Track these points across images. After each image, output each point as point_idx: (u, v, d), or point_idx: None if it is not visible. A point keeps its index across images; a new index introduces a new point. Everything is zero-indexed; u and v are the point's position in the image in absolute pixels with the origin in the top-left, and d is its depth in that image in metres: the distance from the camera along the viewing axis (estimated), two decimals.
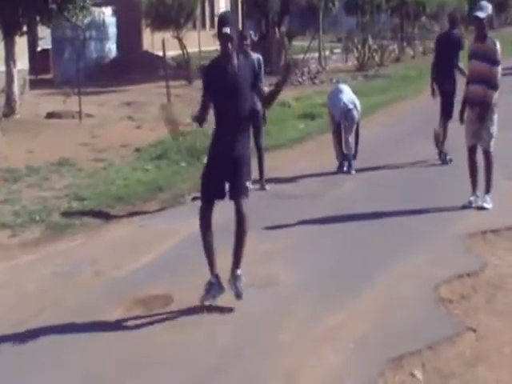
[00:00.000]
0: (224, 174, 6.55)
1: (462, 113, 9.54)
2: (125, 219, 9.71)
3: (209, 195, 6.60)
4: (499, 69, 9.20)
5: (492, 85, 9.16)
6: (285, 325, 6.15)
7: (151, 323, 6.25)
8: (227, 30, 6.33)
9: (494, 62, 9.16)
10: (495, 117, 9.31)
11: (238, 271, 6.47)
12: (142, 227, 9.26)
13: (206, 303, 6.39)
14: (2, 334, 6.11)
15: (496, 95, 9.23)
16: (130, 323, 6.29)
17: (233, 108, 6.50)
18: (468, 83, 9.53)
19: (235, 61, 6.50)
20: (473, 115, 9.34)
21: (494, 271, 7.23)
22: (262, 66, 10.92)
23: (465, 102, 9.52)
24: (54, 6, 16.77)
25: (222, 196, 6.58)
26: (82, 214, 9.86)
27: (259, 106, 10.80)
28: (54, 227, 9.29)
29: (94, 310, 6.56)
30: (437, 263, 7.45)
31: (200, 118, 6.78)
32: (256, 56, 10.89)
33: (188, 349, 5.78)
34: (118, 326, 6.26)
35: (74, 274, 7.62)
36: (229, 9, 37.40)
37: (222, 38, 6.40)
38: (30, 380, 5.41)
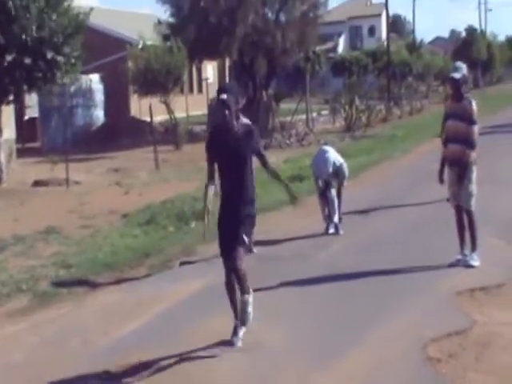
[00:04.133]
0: (229, 226, 7.10)
1: (440, 173, 9.67)
2: (112, 286, 9.69)
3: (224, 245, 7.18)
4: (476, 128, 9.36)
5: (470, 144, 9.31)
6: None
7: None
8: (224, 96, 6.92)
9: (471, 122, 9.32)
10: (473, 176, 9.42)
11: (245, 296, 7.21)
12: (129, 294, 9.26)
13: (238, 345, 6.92)
14: None
15: (474, 154, 9.38)
16: None
17: (236, 169, 7.02)
18: (445, 143, 9.68)
19: (235, 126, 7.00)
20: (452, 175, 9.49)
21: (482, 329, 7.24)
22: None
23: (443, 162, 9.67)
24: (39, 74, 16.95)
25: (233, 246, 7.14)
26: (70, 281, 9.84)
27: None
28: (41, 296, 9.27)
29: (79, 381, 6.54)
30: (425, 322, 7.47)
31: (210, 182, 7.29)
32: (245, 120, 11.06)
33: None
34: None
35: (61, 343, 7.61)
36: (215, 73, 37.85)
37: (220, 104, 6.98)
38: None
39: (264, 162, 7.28)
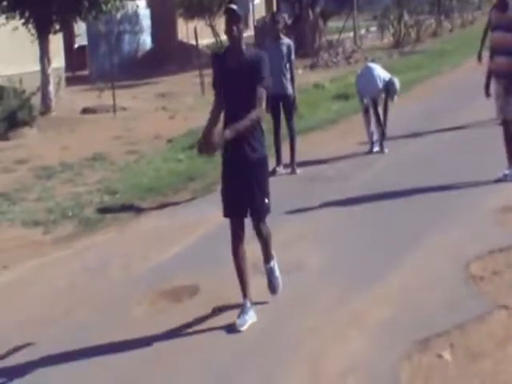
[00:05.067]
0: (240, 187, 5.95)
1: (487, 86, 9.30)
2: (156, 211, 9.65)
3: (230, 213, 6.03)
4: None
5: None
6: (310, 310, 6.03)
7: (177, 317, 6.15)
8: (233, 6, 5.72)
9: None
10: None
11: (271, 263, 6.22)
12: (172, 218, 9.20)
13: (242, 328, 5.78)
14: (34, 331, 6.12)
15: None
16: (155, 318, 6.23)
17: (241, 102, 5.77)
18: (492, 55, 9.26)
19: (243, 48, 5.82)
20: (499, 88, 9.09)
21: None
22: (293, 50, 10.89)
23: (489, 75, 9.27)
24: (85, 2, 16.76)
25: (243, 214, 6.01)
26: (114, 207, 9.85)
27: (290, 89, 10.74)
28: (86, 222, 9.28)
29: (122, 305, 6.53)
30: (468, 239, 7.25)
31: (210, 124, 5.92)
32: (287, 41, 10.86)
33: (214, 336, 5.73)
34: (143, 321, 6.21)
35: (104, 268, 7.60)
36: None
37: (228, 15, 5.76)
38: (64, 376, 5.38)
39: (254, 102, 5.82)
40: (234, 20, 5.74)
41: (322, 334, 5.62)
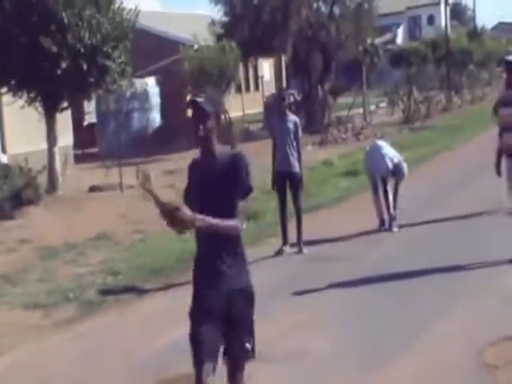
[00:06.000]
0: (216, 323, 4.73)
1: (497, 164, 9.14)
2: (159, 292, 9.48)
3: (199, 355, 4.68)
4: None
5: None
6: None
7: None
8: (198, 98, 4.69)
9: None
10: None
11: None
12: (175, 300, 8.99)
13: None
14: None
15: None
16: None
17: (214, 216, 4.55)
18: (501, 133, 9.13)
19: (214, 151, 4.75)
20: (510, 167, 8.94)
21: None
22: (300, 127, 10.83)
23: (500, 153, 9.12)
24: (91, 80, 16.84)
25: (214, 357, 4.68)
26: (117, 289, 9.67)
27: (297, 167, 10.64)
28: (87, 305, 9.10)
29: None
30: (480, 324, 7.02)
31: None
32: (293, 118, 10.85)
33: None
34: None
35: (102, 354, 7.40)
36: (272, 70, 37.48)
37: (193, 111, 4.70)
38: None
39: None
40: (201, 117, 4.64)
41: None
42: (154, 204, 4.47)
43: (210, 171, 4.71)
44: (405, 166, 11.56)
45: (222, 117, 4.93)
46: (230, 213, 4.62)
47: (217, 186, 4.67)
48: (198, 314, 4.78)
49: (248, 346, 4.70)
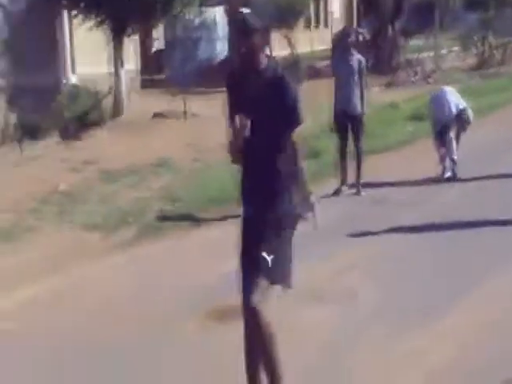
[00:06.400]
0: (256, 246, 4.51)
1: None
2: (217, 222, 9.55)
3: (243, 279, 4.57)
4: None
5: None
6: (357, 348, 5.69)
7: (226, 336, 5.97)
8: (246, 10, 4.31)
9: None
10: None
11: None
12: (232, 231, 9.07)
13: None
14: (82, 338, 6.07)
15: None
16: (202, 336, 6.10)
17: (252, 139, 4.33)
18: None
19: (261, 63, 4.36)
20: None
21: None
22: (365, 67, 10.65)
23: None
24: (158, 6, 16.84)
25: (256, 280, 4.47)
26: (175, 215, 9.83)
27: (360, 107, 10.53)
28: (146, 229, 9.27)
29: (171, 318, 6.42)
30: None
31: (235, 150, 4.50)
32: (358, 56, 10.65)
33: None
34: (193, 337, 6.09)
35: (158, 277, 7.54)
36: (342, 7, 36.86)
37: (238, 24, 4.32)
38: None
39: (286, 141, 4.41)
40: (245, 31, 4.25)
41: (368, 377, 5.30)
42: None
43: (254, 94, 4.32)
44: (470, 112, 11.37)
45: (268, 38, 4.53)
46: (277, 145, 4.38)
47: (262, 110, 4.31)
48: (242, 237, 4.67)
49: (267, 257, 4.39)
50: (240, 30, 4.29)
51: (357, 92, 10.46)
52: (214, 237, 8.95)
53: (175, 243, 8.79)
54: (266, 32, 4.36)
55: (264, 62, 4.35)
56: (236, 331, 5.91)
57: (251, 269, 4.45)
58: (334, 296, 6.23)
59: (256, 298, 4.36)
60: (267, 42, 4.43)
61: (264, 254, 4.39)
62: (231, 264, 7.57)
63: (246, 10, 4.29)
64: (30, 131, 14.65)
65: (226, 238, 8.69)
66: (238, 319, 6.18)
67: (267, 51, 4.48)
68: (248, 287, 4.42)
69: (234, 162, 4.58)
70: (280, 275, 4.46)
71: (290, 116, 4.32)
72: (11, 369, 5.56)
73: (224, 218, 9.61)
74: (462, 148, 11.58)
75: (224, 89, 4.69)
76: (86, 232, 9.18)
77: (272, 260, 4.39)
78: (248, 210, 4.62)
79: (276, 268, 4.41)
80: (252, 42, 4.24)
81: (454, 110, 11.15)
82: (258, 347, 4.52)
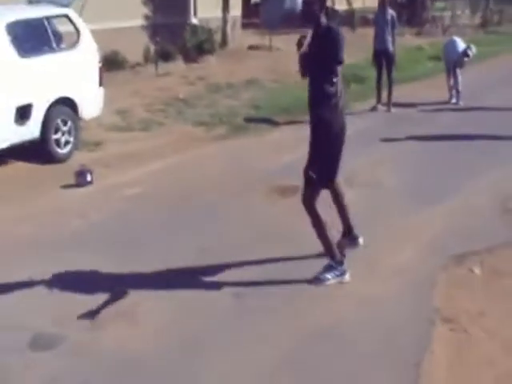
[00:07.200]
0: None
1: None
2: (287, 125, 9.18)
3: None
4: None
5: None
6: (378, 218, 5.42)
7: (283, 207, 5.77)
8: None
9: None
10: None
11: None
12: (296, 132, 8.69)
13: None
14: (182, 200, 5.90)
15: None
16: (267, 206, 5.86)
17: (310, 75, 4.29)
18: None
19: (322, 20, 4.17)
20: None
21: None
22: (396, 19, 10.06)
23: None
24: None
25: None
26: (257, 119, 9.48)
27: (391, 47, 9.92)
28: (236, 128, 8.97)
29: (244, 193, 6.16)
30: (509, 182, 6.37)
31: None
32: (391, 11, 10.11)
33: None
34: (258, 206, 5.85)
35: (241, 162, 7.33)
36: None
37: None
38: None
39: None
40: (307, 8, 4.19)
41: (381, 242, 5.01)
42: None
43: (316, 42, 4.15)
44: (473, 46, 10.52)
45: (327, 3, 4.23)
46: (324, 72, 4.18)
47: (318, 52, 4.14)
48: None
49: (311, 173, 4.26)
50: (303, 2, 4.21)
51: (389, 37, 9.92)
52: (282, 136, 8.61)
53: (255, 139, 8.48)
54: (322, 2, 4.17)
55: (322, 18, 4.18)
56: (290, 204, 5.72)
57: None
58: (362, 184, 5.87)
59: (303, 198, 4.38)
60: (323, 6, 4.19)
61: (310, 173, 4.32)
62: (290, 157, 7.34)
63: None
64: (163, 56, 14.36)
65: (292, 137, 8.43)
66: (293, 194, 6.00)
67: (327, 9, 4.23)
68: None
69: (302, 75, 4.39)
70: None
71: (334, 56, 4.14)
72: (141, 222, 5.46)
73: (292, 123, 9.25)
74: (465, 81, 10.75)
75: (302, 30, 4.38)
76: (195, 127, 8.96)
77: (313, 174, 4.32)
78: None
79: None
80: (311, 9, 4.17)
81: (460, 50, 10.38)
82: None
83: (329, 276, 4.22)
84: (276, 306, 3.92)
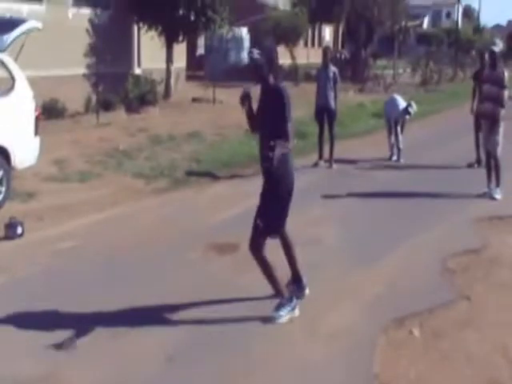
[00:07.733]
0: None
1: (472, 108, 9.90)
2: (227, 180, 9.19)
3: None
4: (505, 91, 8.11)
5: (500, 103, 8.09)
6: (318, 277, 5.33)
7: (220, 264, 5.69)
8: (255, 54, 4.29)
9: (502, 86, 8.08)
10: (501, 129, 8.20)
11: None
12: (237, 187, 8.70)
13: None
14: (120, 252, 5.74)
15: (503, 112, 8.15)
16: (204, 262, 5.75)
17: (260, 131, 4.53)
18: (481, 102, 8.64)
19: (270, 81, 4.36)
20: (485, 128, 8.37)
21: (495, 250, 6.23)
22: (338, 76, 10.24)
23: (477, 115, 9.05)
24: (200, 24, 16.52)
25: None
26: (198, 172, 9.44)
27: (333, 104, 10.11)
28: (176, 181, 8.91)
29: (181, 249, 6.07)
30: (448, 239, 6.50)
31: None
32: (333, 68, 10.30)
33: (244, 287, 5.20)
34: (195, 263, 5.74)
35: (179, 218, 7.18)
36: (332, 34, 36.02)
37: (251, 61, 4.33)
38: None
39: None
40: (255, 67, 4.32)
41: (321, 300, 4.99)
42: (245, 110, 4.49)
43: (264, 99, 4.44)
44: (413, 103, 10.85)
45: (276, 60, 4.39)
46: (273, 129, 4.26)
47: (266, 109, 4.43)
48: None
49: (259, 222, 4.45)
50: (252, 65, 4.35)
51: (331, 93, 10.07)
52: (223, 190, 8.59)
53: (195, 193, 8.42)
54: (270, 61, 4.35)
55: (271, 79, 4.37)
56: (227, 261, 5.65)
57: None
58: (302, 241, 5.82)
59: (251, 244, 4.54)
60: (272, 67, 4.36)
61: (258, 222, 4.52)
62: (232, 212, 7.31)
63: (255, 51, 4.33)
64: (104, 105, 14.30)
65: (233, 192, 8.41)
66: (230, 253, 5.92)
67: (274, 69, 4.40)
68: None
69: (251, 131, 4.69)
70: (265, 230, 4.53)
71: (282, 116, 4.27)
72: (73, 276, 5.26)
73: (233, 177, 9.30)
74: (406, 139, 11.07)
75: (244, 83, 4.63)
76: (134, 179, 8.85)
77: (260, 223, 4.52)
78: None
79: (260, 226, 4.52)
80: (260, 72, 4.34)
81: (400, 107, 10.71)
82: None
83: (282, 313, 4.48)
84: (206, 373, 3.78)
